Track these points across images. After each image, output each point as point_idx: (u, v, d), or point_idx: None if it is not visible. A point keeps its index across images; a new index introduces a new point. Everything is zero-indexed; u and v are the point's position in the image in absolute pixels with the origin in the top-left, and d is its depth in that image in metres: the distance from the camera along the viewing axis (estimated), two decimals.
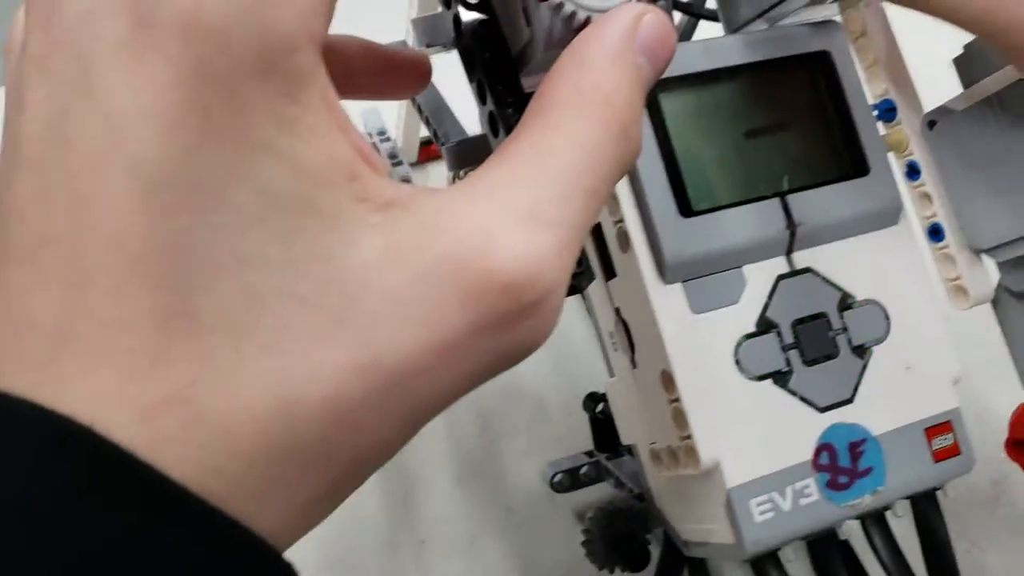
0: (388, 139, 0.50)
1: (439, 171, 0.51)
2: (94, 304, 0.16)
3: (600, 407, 0.34)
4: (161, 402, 0.15)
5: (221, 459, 0.15)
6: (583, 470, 0.34)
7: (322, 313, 0.16)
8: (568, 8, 0.22)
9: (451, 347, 0.17)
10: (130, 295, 0.16)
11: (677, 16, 0.33)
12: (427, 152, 0.52)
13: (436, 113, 0.35)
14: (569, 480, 0.34)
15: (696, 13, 0.33)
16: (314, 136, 0.17)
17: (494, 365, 0.18)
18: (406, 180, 0.48)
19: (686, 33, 0.35)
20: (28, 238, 0.16)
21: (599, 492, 0.35)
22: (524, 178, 0.19)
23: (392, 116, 0.50)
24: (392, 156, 0.49)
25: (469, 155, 0.32)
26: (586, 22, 0.23)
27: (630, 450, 0.31)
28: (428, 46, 0.33)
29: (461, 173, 0.34)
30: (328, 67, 0.25)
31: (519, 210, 0.18)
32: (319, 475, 0.17)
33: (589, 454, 0.35)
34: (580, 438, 0.37)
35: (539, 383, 0.41)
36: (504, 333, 0.18)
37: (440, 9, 0.27)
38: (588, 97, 0.20)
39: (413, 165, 0.50)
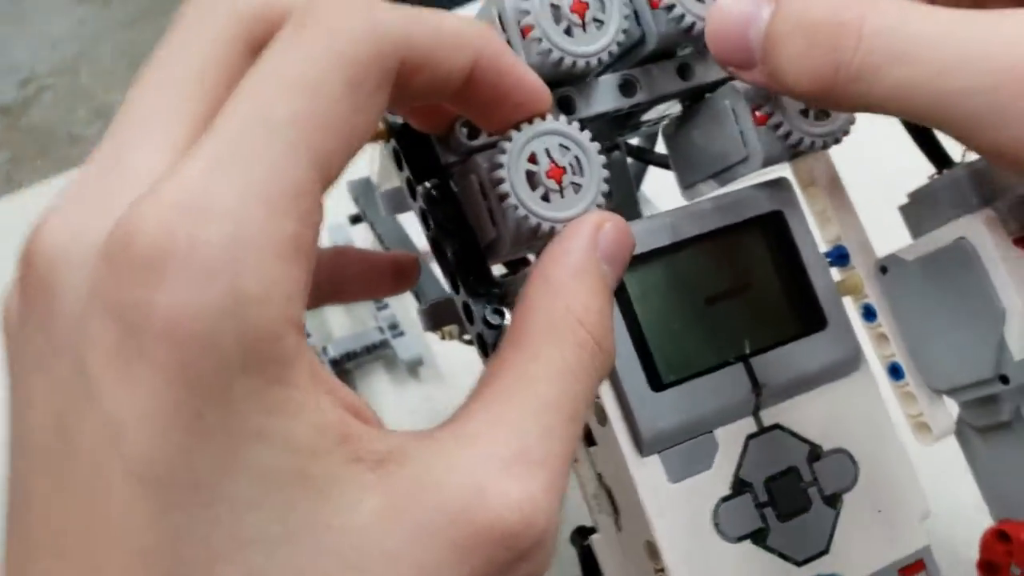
0: None
1: None
2: None
3: (587, 543, 0.34)
4: None
5: None
6: None
7: None
8: (533, 220, 0.24)
9: None
10: None
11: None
12: None
13: None
14: None
15: (648, 160, 0.35)
16: (302, 411, 0.18)
17: None
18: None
19: (637, 178, 0.36)
20: (46, 530, 0.18)
21: None
22: (509, 418, 0.20)
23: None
24: None
25: (444, 316, 0.33)
26: (551, 231, 0.24)
27: None
28: (395, 213, 0.34)
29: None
30: (324, 278, 0.26)
31: (507, 455, 0.19)
32: None
33: None
34: (569, 562, 0.37)
35: None
36: None
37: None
38: (561, 322, 0.21)
39: None
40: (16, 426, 0.19)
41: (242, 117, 0.18)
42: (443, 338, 0.35)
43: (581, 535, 0.35)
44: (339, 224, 0.52)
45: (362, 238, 0.51)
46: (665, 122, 0.31)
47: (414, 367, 0.46)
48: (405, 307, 0.49)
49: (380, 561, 0.18)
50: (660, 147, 0.35)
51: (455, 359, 0.47)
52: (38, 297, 0.18)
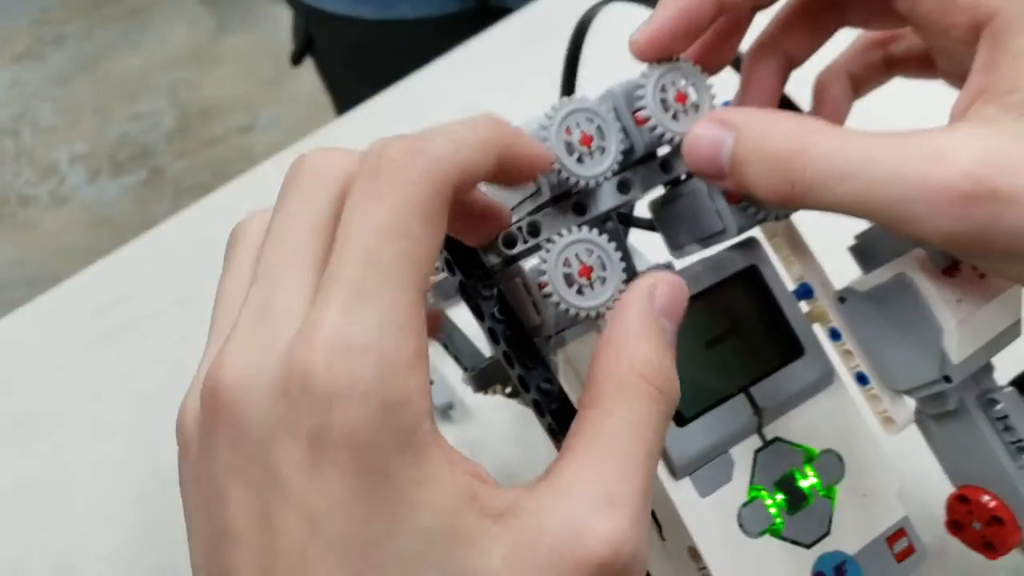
0: None
1: None
2: None
3: None
4: None
5: None
6: None
7: None
8: (572, 311, 0.30)
9: None
10: None
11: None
12: None
13: (452, 341, 0.42)
14: None
15: (634, 224, 0.42)
16: (442, 481, 0.24)
17: None
18: None
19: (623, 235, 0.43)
20: None
21: None
22: (594, 469, 0.25)
23: None
24: None
25: (489, 378, 0.40)
26: (586, 317, 0.30)
27: None
28: (445, 299, 0.41)
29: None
30: None
31: (597, 498, 0.25)
32: None
33: None
34: None
35: None
36: None
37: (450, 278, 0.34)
38: (627, 380, 0.27)
39: None
40: (217, 522, 0.25)
41: (355, 264, 0.24)
42: (486, 393, 0.42)
43: None
44: None
45: None
46: (648, 197, 0.38)
47: (446, 411, 0.53)
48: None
49: None
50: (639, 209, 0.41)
51: (481, 401, 0.53)
52: (225, 422, 0.25)
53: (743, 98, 0.37)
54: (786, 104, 0.37)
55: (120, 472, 0.56)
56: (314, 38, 1.04)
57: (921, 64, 0.37)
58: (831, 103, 0.39)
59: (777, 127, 0.29)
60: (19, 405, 0.61)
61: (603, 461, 0.26)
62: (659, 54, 0.33)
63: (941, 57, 0.33)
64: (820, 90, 0.39)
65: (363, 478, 0.23)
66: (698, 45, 0.35)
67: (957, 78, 0.32)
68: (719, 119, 0.31)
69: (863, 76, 0.39)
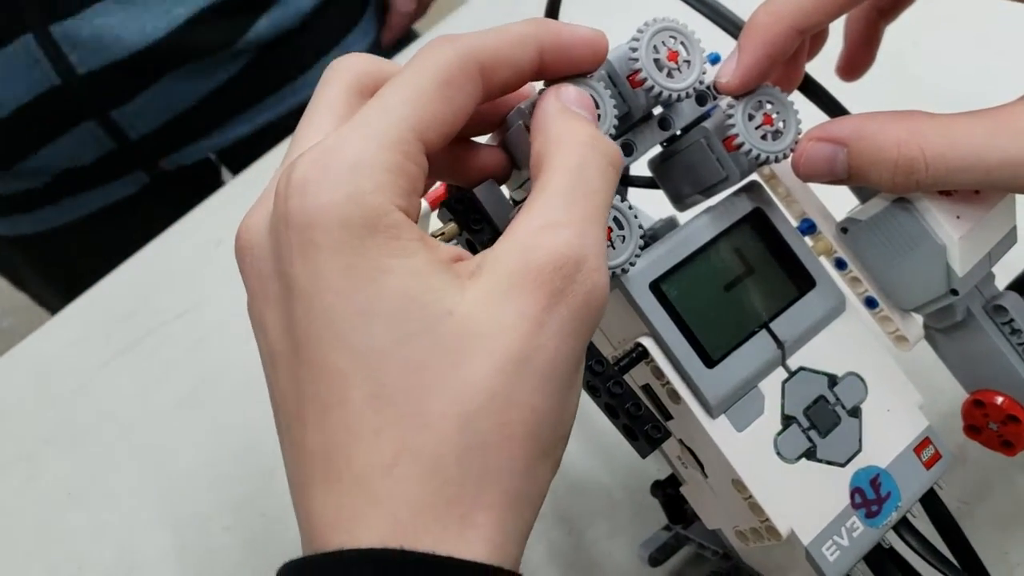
0: None
1: None
2: (343, 423, 0.26)
3: (667, 491, 0.43)
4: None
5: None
6: (668, 543, 0.44)
7: (454, 349, 0.26)
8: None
9: (540, 321, 0.26)
10: (361, 409, 0.26)
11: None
12: None
13: None
14: (660, 554, 0.44)
15: (633, 184, 0.43)
16: (418, 252, 0.27)
17: (577, 325, 0.27)
18: None
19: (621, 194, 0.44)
20: (284, 401, 0.28)
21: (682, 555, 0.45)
22: (537, 209, 0.28)
23: None
24: None
25: None
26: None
27: (697, 517, 0.41)
28: None
29: None
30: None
31: (540, 226, 0.28)
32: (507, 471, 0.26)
33: (666, 528, 0.44)
34: (648, 510, 0.46)
35: (599, 479, 0.51)
36: (567, 298, 0.27)
37: None
38: (558, 144, 0.30)
39: None
40: (262, 348, 0.29)
41: (368, 106, 0.28)
42: None
43: (659, 487, 0.44)
44: None
45: None
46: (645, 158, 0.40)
47: None
48: None
49: (486, 318, 0.26)
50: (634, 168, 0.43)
51: None
52: (244, 257, 0.29)
53: (847, 54, 0.44)
54: (808, 84, 0.38)
55: (159, 473, 0.57)
56: None
57: None
58: (862, 37, 0.42)
59: (887, 137, 0.33)
60: (48, 422, 0.62)
61: (544, 201, 0.28)
62: (748, 91, 0.35)
63: None
64: (852, 25, 0.41)
65: (339, 254, 0.26)
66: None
67: None
68: (826, 136, 0.34)
69: (890, 4, 0.41)
